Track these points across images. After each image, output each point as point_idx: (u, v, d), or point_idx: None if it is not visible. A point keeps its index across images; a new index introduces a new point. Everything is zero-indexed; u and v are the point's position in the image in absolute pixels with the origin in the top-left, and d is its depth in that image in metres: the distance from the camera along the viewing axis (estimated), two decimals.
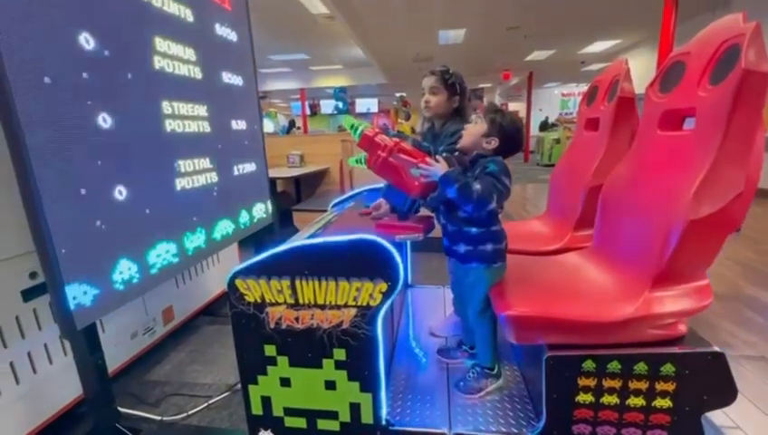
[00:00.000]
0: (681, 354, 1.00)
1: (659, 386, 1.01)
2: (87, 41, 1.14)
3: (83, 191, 1.13)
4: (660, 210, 1.01)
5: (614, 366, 1.01)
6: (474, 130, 1.18)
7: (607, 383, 1.02)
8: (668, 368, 0.99)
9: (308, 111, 13.07)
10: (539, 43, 8.35)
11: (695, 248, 0.97)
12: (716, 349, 0.99)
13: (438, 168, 1.13)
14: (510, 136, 1.16)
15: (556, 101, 15.53)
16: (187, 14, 1.60)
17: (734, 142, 0.90)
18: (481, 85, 13.47)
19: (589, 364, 1.02)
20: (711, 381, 1.00)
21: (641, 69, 7.19)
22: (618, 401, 1.03)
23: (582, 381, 1.03)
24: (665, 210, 0.99)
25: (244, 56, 2.04)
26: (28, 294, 1.31)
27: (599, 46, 8.75)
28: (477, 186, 1.08)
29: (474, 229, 1.18)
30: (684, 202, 0.92)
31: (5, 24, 0.93)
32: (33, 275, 1.31)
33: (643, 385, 1.01)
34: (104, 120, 1.20)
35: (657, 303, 0.99)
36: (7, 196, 1.15)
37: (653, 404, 1.02)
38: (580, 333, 1.03)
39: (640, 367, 1.00)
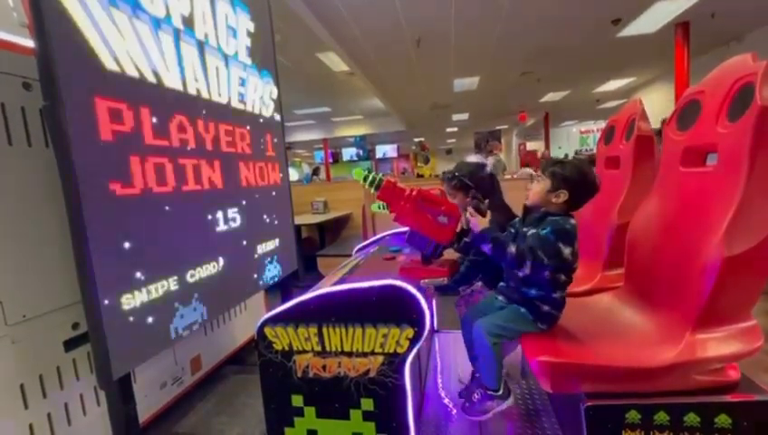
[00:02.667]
0: (736, 404, 0.92)
1: None
2: None
3: (128, 245, 1.20)
4: (693, 248, 0.99)
5: (661, 417, 0.94)
6: (537, 189, 1.15)
7: None
8: (724, 419, 0.91)
9: (330, 159, 13.60)
10: (553, 85, 8.56)
11: (735, 287, 0.92)
12: None
13: (476, 223, 1.13)
14: (578, 184, 1.10)
15: (575, 139, 15.55)
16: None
17: (762, 177, 0.89)
18: (498, 127, 13.74)
19: (633, 415, 0.95)
20: None
21: (658, 104, 7.20)
22: None
23: None
24: (698, 248, 0.96)
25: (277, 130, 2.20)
26: (69, 345, 1.36)
27: (613, 85, 8.85)
28: (512, 248, 1.07)
29: (533, 291, 1.14)
30: (716, 239, 0.90)
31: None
32: (75, 326, 1.38)
33: None
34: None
35: (701, 346, 0.93)
36: (57, 253, 1.25)
37: None
38: (620, 380, 0.97)
39: (691, 418, 0.93)
